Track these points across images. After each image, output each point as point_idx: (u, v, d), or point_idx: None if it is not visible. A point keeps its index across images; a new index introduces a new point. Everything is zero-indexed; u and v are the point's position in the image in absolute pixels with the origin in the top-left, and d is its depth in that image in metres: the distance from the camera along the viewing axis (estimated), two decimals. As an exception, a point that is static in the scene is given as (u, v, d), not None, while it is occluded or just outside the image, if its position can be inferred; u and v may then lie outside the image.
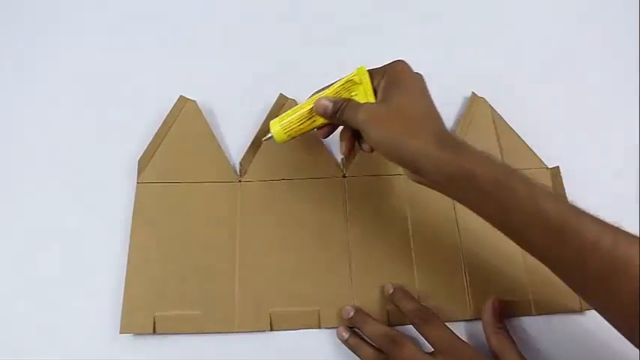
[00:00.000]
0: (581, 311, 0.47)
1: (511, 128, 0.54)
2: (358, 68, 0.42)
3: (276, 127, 0.44)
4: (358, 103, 0.41)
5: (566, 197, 0.50)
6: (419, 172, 0.38)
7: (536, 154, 0.53)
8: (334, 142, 0.53)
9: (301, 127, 0.44)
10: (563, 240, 0.33)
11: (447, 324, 0.44)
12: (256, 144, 0.52)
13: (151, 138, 0.51)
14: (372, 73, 0.42)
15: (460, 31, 0.61)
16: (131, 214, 0.48)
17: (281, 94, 0.54)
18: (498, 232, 0.48)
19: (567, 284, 0.36)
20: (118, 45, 0.57)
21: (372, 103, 0.41)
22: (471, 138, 0.53)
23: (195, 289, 0.46)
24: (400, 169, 0.51)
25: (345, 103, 0.41)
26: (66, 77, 0.55)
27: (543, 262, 0.36)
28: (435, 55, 0.58)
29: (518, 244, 0.36)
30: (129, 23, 0.59)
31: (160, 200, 0.49)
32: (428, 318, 0.44)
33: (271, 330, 0.45)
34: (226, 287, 0.46)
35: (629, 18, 0.63)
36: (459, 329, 0.46)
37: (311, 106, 0.43)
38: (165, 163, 0.50)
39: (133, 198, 0.48)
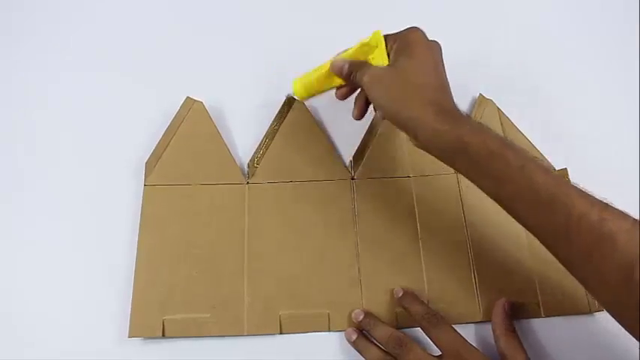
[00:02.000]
0: (590, 313, 0.47)
1: (518, 130, 0.54)
2: (374, 32, 0.42)
3: (297, 85, 0.47)
4: (368, 65, 0.42)
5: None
6: (416, 139, 0.39)
7: (543, 156, 0.52)
8: (342, 143, 0.53)
9: (320, 85, 0.46)
10: (551, 211, 0.34)
11: (455, 327, 0.44)
12: (265, 145, 0.51)
13: (158, 140, 0.50)
14: (386, 37, 0.43)
15: (466, 32, 0.61)
16: (139, 217, 0.47)
17: (289, 94, 0.53)
18: (507, 234, 0.49)
19: (554, 256, 0.36)
20: (122, 46, 0.57)
21: (379, 67, 0.42)
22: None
23: (204, 292, 0.45)
24: (409, 172, 0.51)
25: (359, 65, 0.42)
26: (73, 79, 0.55)
27: (532, 233, 0.36)
28: (443, 53, 0.58)
29: (509, 213, 0.37)
30: (133, 24, 0.58)
31: (168, 202, 0.48)
32: (436, 321, 0.44)
33: (281, 333, 0.45)
34: (235, 290, 0.46)
35: (633, 18, 0.63)
36: (468, 332, 0.46)
37: None
38: (173, 165, 0.50)
39: (141, 200, 0.48)
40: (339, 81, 0.45)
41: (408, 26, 0.42)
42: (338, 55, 0.45)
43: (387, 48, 0.42)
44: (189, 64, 0.56)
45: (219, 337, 0.45)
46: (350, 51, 0.44)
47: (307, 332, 0.45)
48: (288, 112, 0.53)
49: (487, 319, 0.46)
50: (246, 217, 0.48)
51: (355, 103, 0.47)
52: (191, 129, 0.51)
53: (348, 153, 0.53)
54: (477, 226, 0.49)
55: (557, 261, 0.44)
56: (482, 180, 0.38)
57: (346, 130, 0.53)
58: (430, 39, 0.42)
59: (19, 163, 0.51)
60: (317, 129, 0.52)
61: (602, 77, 0.59)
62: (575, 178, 0.51)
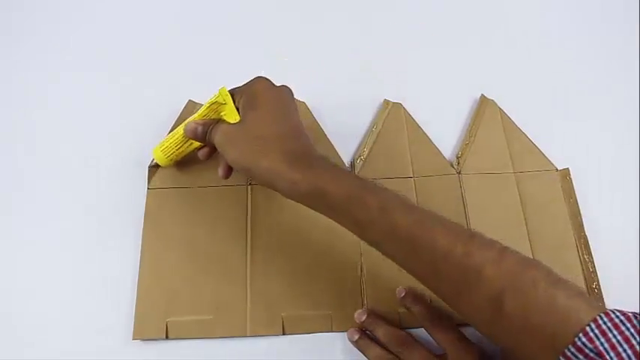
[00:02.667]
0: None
1: (520, 130, 0.54)
2: (220, 89, 0.42)
3: (157, 153, 0.47)
4: (218, 125, 0.42)
5: (575, 198, 0.50)
6: (276, 190, 0.39)
7: (545, 156, 0.53)
8: (343, 143, 0.53)
9: (180, 150, 0.47)
10: (416, 252, 0.34)
11: (459, 326, 0.44)
12: None
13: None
14: (233, 92, 0.43)
15: (468, 34, 0.61)
16: (142, 220, 0.47)
17: None
18: (510, 234, 0.49)
19: (431, 291, 0.36)
20: (123, 47, 0.57)
21: (228, 124, 0.42)
22: (480, 140, 0.53)
23: (207, 294, 0.46)
24: (411, 172, 0.51)
25: (212, 125, 0.42)
26: (74, 80, 0.55)
27: (405, 270, 0.36)
28: (445, 56, 0.58)
29: (382, 253, 0.37)
30: (133, 24, 0.59)
31: (170, 205, 0.49)
32: (439, 321, 0.44)
33: (283, 334, 0.45)
34: (238, 291, 0.46)
35: (633, 18, 0.63)
36: (472, 330, 0.46)
37: None
38: (175, 168, 0.50)
39: (144, 203, 0.48)
40: (197, 143, 0.45)
41: (254, 77, 0.43)
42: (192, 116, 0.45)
43: (235, 103, 0.42)
44: (190, 65, 0.56)
45: (222, 338, 0.45)
46: (201, 111, 0.44)
47: (310, 333, 0.45)
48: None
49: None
50: (249, 218, 0.49)
51: (219, 162, 0.46)
52: None
53: (348, 154, 0.53)
54: (480, 227, 0.49)
55: (560, 262, 0.45)
56: (346, 224, 0.37)
57: (347, 131, 0.53)
58: (279, 84, 0.42)
59: (20, 164, 0.51)
60: (319, 129, 0.52)
61: (602, 76, 0.59)
62: (577, 177, 0.51)
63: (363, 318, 0.45)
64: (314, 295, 0.46)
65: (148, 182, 0.49)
